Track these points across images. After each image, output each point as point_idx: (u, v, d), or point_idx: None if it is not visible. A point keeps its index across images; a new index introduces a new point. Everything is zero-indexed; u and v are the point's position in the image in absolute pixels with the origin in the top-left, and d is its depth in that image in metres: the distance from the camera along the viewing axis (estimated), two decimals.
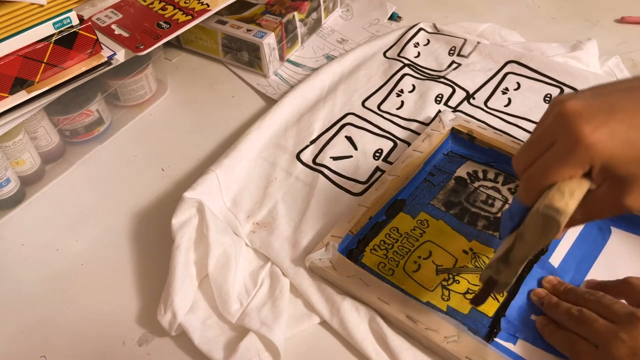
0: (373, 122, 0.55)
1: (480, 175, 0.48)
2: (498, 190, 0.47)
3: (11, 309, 0.43)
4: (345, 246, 0.43)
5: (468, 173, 0.48)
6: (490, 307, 0.39)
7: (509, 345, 0.37)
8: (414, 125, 0.55)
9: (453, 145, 0.52)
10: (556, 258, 0.42)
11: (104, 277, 0.44)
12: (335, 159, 0.52)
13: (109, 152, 0.55)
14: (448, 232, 0.44)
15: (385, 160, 0.51)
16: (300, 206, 0.47)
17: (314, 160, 0.51)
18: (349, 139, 0.54)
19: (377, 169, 0.51)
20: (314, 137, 0.54)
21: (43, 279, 0.44)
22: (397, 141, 0.53)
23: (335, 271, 0.40)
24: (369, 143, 0.53)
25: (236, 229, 0.45)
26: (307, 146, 0.53)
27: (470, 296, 0.39)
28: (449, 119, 0.52)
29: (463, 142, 0.51)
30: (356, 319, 0.39)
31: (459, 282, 0.41)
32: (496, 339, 0.37)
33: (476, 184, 0.47)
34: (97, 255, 0.46)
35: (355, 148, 0.53)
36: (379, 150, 0.52)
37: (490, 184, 0.47)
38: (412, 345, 0.38)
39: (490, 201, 0.46)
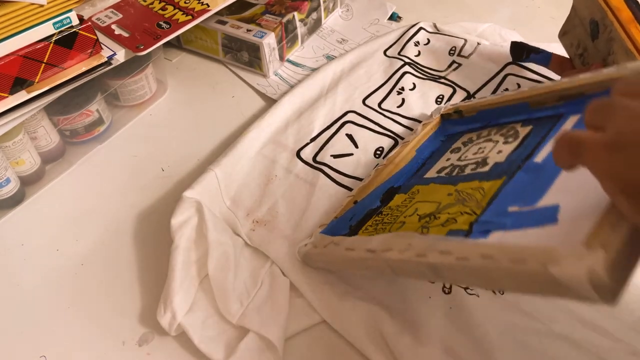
0: (374, 120, 0.55)
1: (475, 138, 0.47)
2: (490, 139, 0.45)
3: (11, 309, 0.42)
4: (334, 232, 0.42)
5: (463, 142, 0.47)
6: (465, 222, 0.35)
7: (478, 240, 0.32)
8: (415, 125, 0.55)
9: (447, 129, 0.51)
10: (541, 156, 0.38)
11: (104, 277, 0.44)
12: (335, 156, 0.52)
13: (109, 152, 0.55)
14: (436, 189, 0.42)
15: (386, 158, 0.51)
16: (300, 204, 0.47)
17: (314, 158, 0.51)
18: (350, 136, 0.54)
19: (378, 166, 0.51)
20: (314, 134, 0.54)
21: (43, 279, 0.44)
22: (398, 139, 0.53)
23: (315, 248, 0.40)
24: (370, 141, 0.53)
25: (235, 227, 0.45)
26: (307, 144, 0.53)
27: (450, 224, 0.35)
28: (438, 110, 0.52)
29: (456, 122, 0.50)
30: (356, 318, 0.39)
31: (439, 218, 0.37)
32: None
33: (470, 145, 0.46)
34: (97, 255, 0.46)
35: (356, 146, 0.53)
36: (380, 148, 0.52)
37: (483, 139, 0.45)
38: (412, 345, 0.38)
39: (481, 150, 0.44)
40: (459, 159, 0.45)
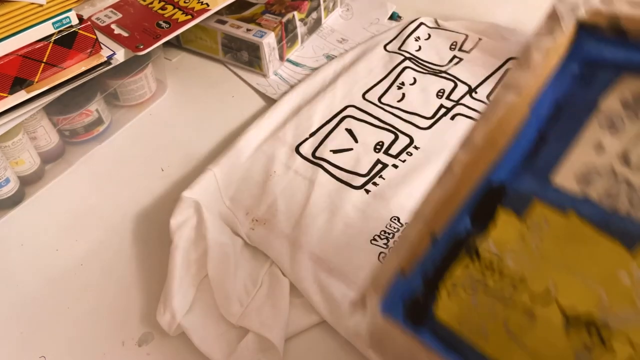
0: (374, 114, 0.55)
1: None
2: None
3: (11, 309, 0.42)
4: (400, 294, 0.24)
5: (624, 102, 0.23)
6: None
7: None
8: (415, 119, 0.55)
9: (587, 50, 0.24)
10: None
11: (104, 277, 0.44)
12: (335, 152, 0.51)
13: (108, 152, 0.55)
14: (587, 237, 0.21)
15: (386, 152, 0.51)
16: (299, 201, 0.47)
17: (313, 154, 0.51)
18: (350, 131, 0.54)
19: (378, 161, 0.50)
20: (313, 129, 0.53)
21: (43, 279, 0.44)
22: (399, 134, 0.53)
23: (381, 336, 0.24)
24: (369, 135, 0.53)
25: (235, 227, 0.45)
26: (306, 139, 0.53)
27: None
28: (570, 8, 0.24)
29: (605, 42, 0.24)
30: (356, 319, 0.39)
31: (609, 343, 0.19)
32: None
33: None
34: (96, 255, 0.46)
35: (356, 141, 0.53)
36: (380, 143, 0.52)
37: None
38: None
39: None
40: (623, 159, 0.22)
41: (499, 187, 0.24)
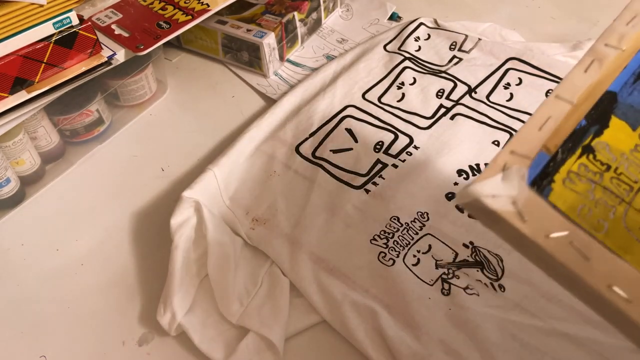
0: (374, 114, 0.55)
1: None
2: None
3: (11, 309, 0.42)
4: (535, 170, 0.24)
5: None
6: None
7: None
8: (415, 119, 0.55)
9: None
10: None
11: (104, 277, 0.44)
12: (335, 151, 0.52)
13: (109, 152, 0.55)
14: None
15: (386, 152, 0.51)
16: (299, 201, 0.47)
17: (313, 154, 0.51)
18: (349, 131, 0.54)
19: (378, 161, 0.50)
20: (313, 129, 0.54)
21: (43, 279, 0.44)
22: (399, 133, 0.53)
23: (524, 222, 0.21)
24: (369, 135, 0.53)
25: (235, 226, 0.45)
26: (306, 139, 0.53)
27: None
28: None
29: None
30: (356, 319, 0.39)
31: None
32: None
33: None
34: (97, 255, 0.46)
35: (356, 140, 0.53)
36: (380, 143, 0.52)
37: None
38: (412, 345, 0.37)
39: None
40: None
41: (611, 94, 0.25)
